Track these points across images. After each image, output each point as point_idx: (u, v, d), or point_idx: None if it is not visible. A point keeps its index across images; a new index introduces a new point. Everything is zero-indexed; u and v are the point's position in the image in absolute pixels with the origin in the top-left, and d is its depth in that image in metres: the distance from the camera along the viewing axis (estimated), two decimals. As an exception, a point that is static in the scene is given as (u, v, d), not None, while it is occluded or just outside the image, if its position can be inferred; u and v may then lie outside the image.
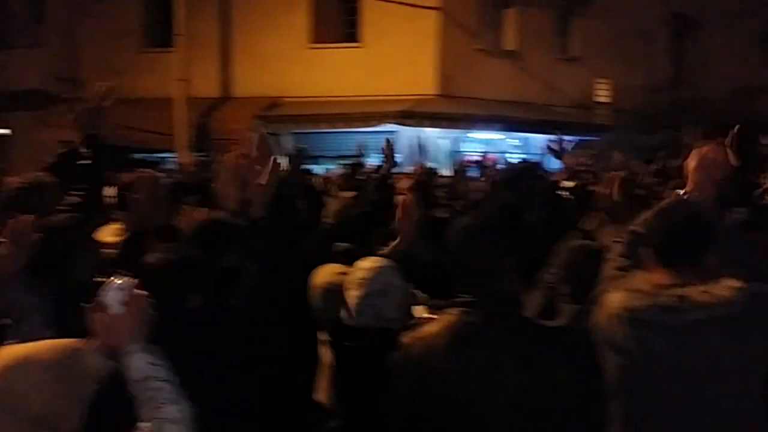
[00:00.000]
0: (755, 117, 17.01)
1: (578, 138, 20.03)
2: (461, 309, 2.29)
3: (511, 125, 19.03)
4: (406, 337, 2.35)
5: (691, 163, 2.84)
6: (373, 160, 19.63)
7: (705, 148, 2.84)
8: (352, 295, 3.20)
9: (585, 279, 2.76)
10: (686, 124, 18.00)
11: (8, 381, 1.70)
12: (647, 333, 2.25)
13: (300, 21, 19.57)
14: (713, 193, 2.79)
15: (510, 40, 20.63)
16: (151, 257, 2.59)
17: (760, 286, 2.26)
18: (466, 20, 19.47)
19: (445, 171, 17.95)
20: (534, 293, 3.28)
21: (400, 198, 4.10)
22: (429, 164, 16.98)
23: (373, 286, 3.17)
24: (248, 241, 2.90)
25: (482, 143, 19.83)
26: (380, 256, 3.44)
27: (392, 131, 18.87)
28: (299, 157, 6.38)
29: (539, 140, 21.04)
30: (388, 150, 6.67)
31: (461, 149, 19.80)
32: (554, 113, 20.49)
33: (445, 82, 18.97)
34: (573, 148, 20.58)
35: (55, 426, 1.70)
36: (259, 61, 19.10)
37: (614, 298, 2.33)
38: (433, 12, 18.66)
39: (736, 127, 5.55)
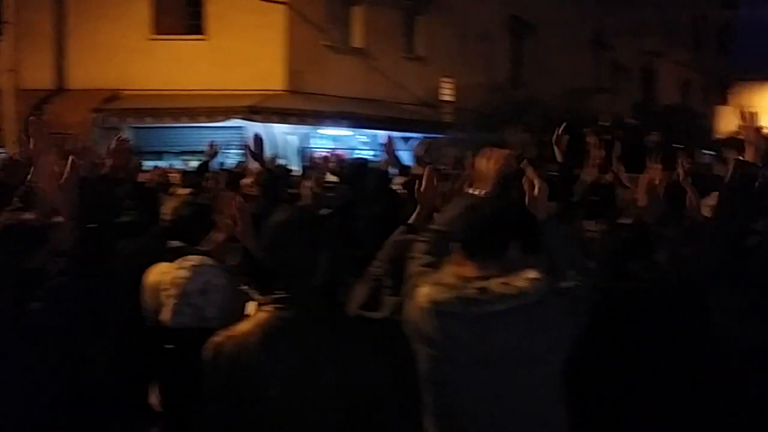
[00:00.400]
0: (585, 116, 18.13)
1: (423, 135, 20.58)
2: (275, 305, 2.26)
3: (359, 122, 19.21)
4: (218, 336, 2.29)
5: (481, 162, 2.97)
6: (222, 157, 19.17)
7: (493, 150, 2.99)
8: (170, 296, 3.09)
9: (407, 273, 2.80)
10: (522, 122, 18.93)
11: None
12: (452, 324, 2.32)
13: (141, 11, 18.79)
14: (497, 188, 2.92)
15: (358, 37, 20.83)
16: None
17: (557, 277, 2.38)
18: (313, 16, 19.45)
19: (295, 167, 17.95)
20: (361, 286, 3.31)
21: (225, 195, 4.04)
22: (279, 160, 16.96)
23: (191, 285, 3.07)
24: (55, 241, 2.71)
25: (331, 140, 19.92)
26: (207, 253, 3.35)
27: (239, 127, 18.60)
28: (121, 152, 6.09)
29: (386, 137, 21.46)
30: (257, 146, 6.56)
31: (310, 145, 19.79)
32: (401, 111, 20.91)
33: (294, 78, 18.87)
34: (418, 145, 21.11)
35: None
36: (96, 52, 18.16)
37: (422, 292, 2.39)
38: (281, 6, 18.51)
39: (562, 125, 5.86)
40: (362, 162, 7.02)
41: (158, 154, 17.18)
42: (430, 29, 22.51)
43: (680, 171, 5.50)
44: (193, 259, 3.25)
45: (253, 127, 17.98)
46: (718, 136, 34.43)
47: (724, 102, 40.24)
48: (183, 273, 3.14)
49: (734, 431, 2.83)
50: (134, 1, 18.72)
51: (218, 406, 2.23)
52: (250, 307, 3.22)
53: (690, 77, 36.25)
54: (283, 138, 18.64)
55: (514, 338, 2.27)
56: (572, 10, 26.47)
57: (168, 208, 5.24)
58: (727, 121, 38.32)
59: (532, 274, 2.33)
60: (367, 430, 2.23)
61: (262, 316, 2.27)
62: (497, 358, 2.28)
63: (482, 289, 2.28)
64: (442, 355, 2.35)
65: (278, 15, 18.58)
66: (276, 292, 2.29)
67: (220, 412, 2.23)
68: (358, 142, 21.52)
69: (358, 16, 20.80)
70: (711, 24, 36.89)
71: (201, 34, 18.96)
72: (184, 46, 18.78)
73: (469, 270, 2.36)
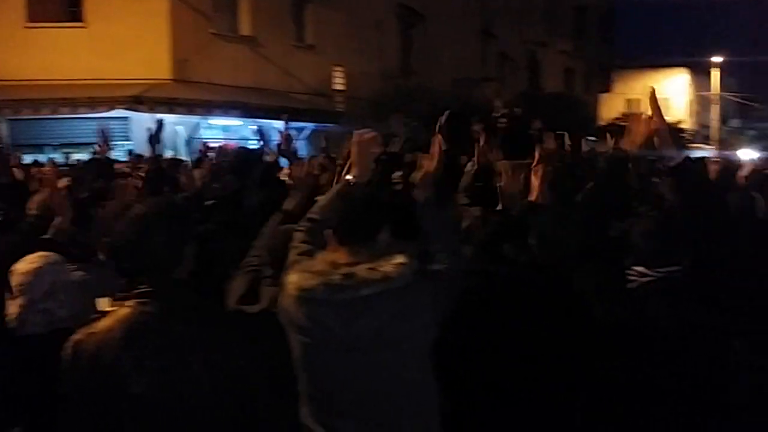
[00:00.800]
0: (473, 104, 18.51)
1: (315, 125, 20.50)
2: (137, 300, 2.19)
3: (249, 112, 18.90)
4: (78, 334, 2.21)
5: (352, 149, 2.99)
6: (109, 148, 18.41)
7: (362, 134, 3.00)
8: (16, 305, 2.94)
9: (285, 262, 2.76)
10: (412, 111, 19.13)
11: None
12: (319, 311, 2.33)
13: (14, -2, 17.86)
14: (370, 174, 2.97)
15: (246, 25, 20.50)
16: None
17: (430, 261, 2.42)
18: (198, 3, 18.98)
19: (184, 158, 17.50)
20: (239, 278, 3.26)
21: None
22: (167, 152, 16.49)
23: (36, 290, 2.94)
24: None
25: (221, 130, 19.54)
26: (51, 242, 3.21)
27: (124, 117, 17.97)
28: None
29: (278, 126, 21.24)
30: (157, 132, 6.33)
31: (200, 136, 19.35)
32: (293, 100, 20.72)
33: (180, 67, 18.38)
34: (309, 135, 21.06)
35: None
36: (-33, 41, 17.16)
37: (290, 280, 2.39)
38: (163, -8, 17.99)
39: (446, 113, 5.95)
40: (249, 152, 6.95)
41: (37, 148, 16.38)
42: (320, 17, 22.40)
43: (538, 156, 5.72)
44: (29, 261, 3.08)
45: (139, 118, 17.45)
46: (601, 123, 35.98)
47: (607, 90, 42.03)
48: (21, 279, 2.98)
49: (600, 402, 2.95)
50: (8, -13, 17.76)
51: (80, 405, 2.16)
52: (102, 302, 3.08)
53: (573, 66, 37.63)
54: (170, 128, 18.13)
55: (380, 323, 2.29)
56: (461, 0, 26.97)
57: (34, 202, 5.03)
58: (610, 108, 40.10)
59: (399, 259, 2.35)
60: (239, 424, 2.18)
61: (124, 311, 2.20)
62: (365, 343, 2.30)
63: (348, 275, 2.29)
64: (313, 341, 2.35)
65: (161, 2, 18.04)
66: (139, 286, 2.21)
67: (82, 411, 2.16)
68: (250, 132, 21.22)
69: (245, 3, 20.46)
70: (592, 14, 38.36)
71: (80, 21, 18.20)
72: (62, 33, 17.96)
73: (341, 256, 2.37)
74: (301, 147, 18.74)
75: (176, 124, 18.35)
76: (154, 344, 2.14)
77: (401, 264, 2.34)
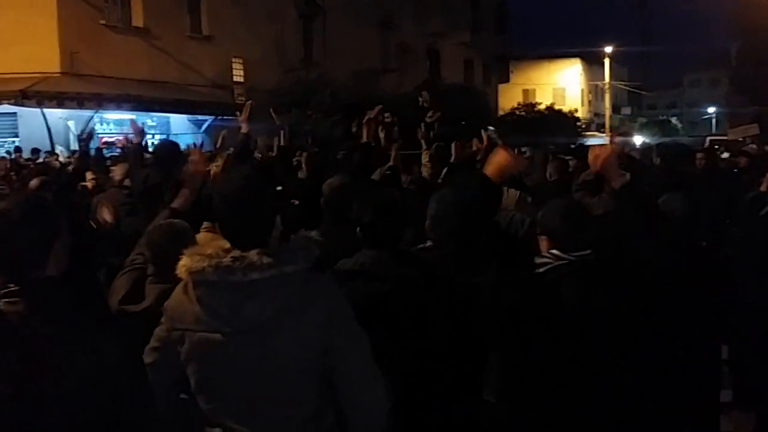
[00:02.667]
0: (374, 96, 18.57)
1: (215, 117, 20.14)
2: (5, 300, 2.08)
3: (145, 105, 18.38)
4: None
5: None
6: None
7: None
8: None
9: (170, 258, 2.59)
10: (313, 103, 19.05)
11: None
12: (208, 293, 2.28)
13: None
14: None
15: (138, 16, 19.90)
16: None
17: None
18: (87, -7, 18.30)
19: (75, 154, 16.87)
20: (121, 277, 3.17)
21: None
22: (59, 148, 15.85)
23: None
24: None
25: (117, 124, 18.91)
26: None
27: (11, 113, 17.17)
28: None
29: (177, 120, 20.77)
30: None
31: (94, 131, 18.68)
32: (191, 93, 20.29)
33: (70, 60, 17.70)
34: (209, 129, 20.66)
35: None
36: None
37: (182, 263, 2.32)
38: (49, -18, 17.25)
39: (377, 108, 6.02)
40: (174, 144, 6.82)
41: None
42: (216, 8, 21.98)
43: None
44: None
45: (28, 114, 16.71)
46: (501, 113, 36.81)
47: (505, 80, 43.01)
48: None
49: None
50: None
51: None
52: None
53: (472, 57, 38.30)
54: (61, 123, 17.45)
55: (268, 310, 2.25)
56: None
57: None
58: (508, 98, 41.07)
59: (294, 247, 2.33)
60: (111, 422, 2.12)
61: None
62: (251, 329, 2.25)
63: (239, 258, 2.25)
64: (200, 329, 2.30)
65: (46, -8, 17.30)
66: (8, 285, 2.09)
67: None
68: (147, 126, 20.64)
69: (137, -7, 19.86)
70: (487, 5, 39.10)
71: (-41, 12, 17.23)
72: (-61, 25, 16.96)
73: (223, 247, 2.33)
74: (202, 140, 18.38)
75: (67, 119, 17.67)
76: (18, 346, 2.05)
77: (296, 252, 2.30)
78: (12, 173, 9.20)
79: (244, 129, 6.46)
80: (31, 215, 2.15)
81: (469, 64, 38.23)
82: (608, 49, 45.13)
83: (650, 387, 3.18)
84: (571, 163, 8.87)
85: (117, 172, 6.40)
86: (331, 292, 2.37)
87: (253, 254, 2.25)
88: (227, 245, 2.32)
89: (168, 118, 20.72)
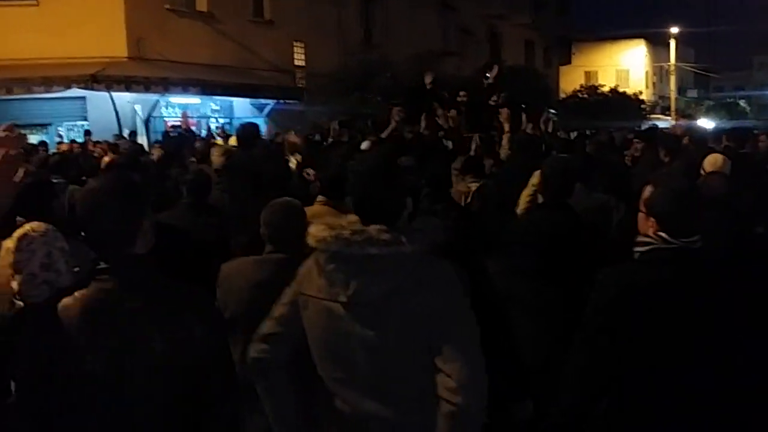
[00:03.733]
0: (435, 78, 18.46)
1: (276, 101, 20.33)
2: (95, 277, 2.17)
3: (209, 89, 18.68)
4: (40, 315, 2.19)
5: None
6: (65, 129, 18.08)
7: None
8: (16, 282, 2.91)
9: (286, 234, 3.23)
10: (373, 86, 19.03)
11: None
12: (330, 263, 2.38)
13: (-40, -25, 17.33)
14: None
15: (202, 1, 20.17)
16: None
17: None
18: (153, -21, 18.64)
19: (143, 138, 17.23)
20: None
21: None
22: (126, 132, 16.23)
23: (33, 264, 2.92)
24: None
25: (181, 108, 19.26)
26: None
27: (81, 97, 17.62)
28: None
29: (240, 104, 21.04)
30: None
31: (159, 114, 19.09)
32: (253, 76, 20.50)
33: (136, 44, 18.07)
34: (270, 112, 20.87)
35: None
36: None
37: (311, 231, 2.44)
38: (117, -31, 17.60)
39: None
40: (254, 126, 7.12)
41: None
42: (278, -8, 22.13)
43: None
44: (21, 234, 3.02)
45: (96, 97, 17.13)
46: (562, 95, 36.21)
47: (567, 62, 42.28)
48: (18, 256, 2.94)
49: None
50: (-47, -36, 17.22)
51: (36, 382, 2.14)
52: None
53: (532, 39, 37.74)
54: (129, 107, 17.85)
55: (384, 286, 2.31)
56: (420, -27, 26.82)
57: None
58: (570, 80, 40.38)
59: (416, 227, 2.40)
60: (194, 396, 2.18)
61: (85, 290, 2.16)
62: (367, 303, 2.33)
63: (358, 231, 2.32)
64: (322, 295, 2.40)
65: (115, -22, 17.66)
66: (99, 262, 2.18)
67: (38, 387, 2.14)
68: (210, 110, 20.98)
69: (202, -22, 20.13)
70: (550, -14, 38.44)
71: (31, -1, 17.74)
72: (12, 12, 17.48)
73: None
74: (263, 124, 18.61)
75: (134, 103, 18.07)
76: (112, 321, 2.12)
77: (416, 233, 2.35)
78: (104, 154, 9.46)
79: None
80: (121, 194, 2.20)
81: (530, 45, 37.67)
82: (674, 30, 43.95)
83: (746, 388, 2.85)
84: (638, 145, 8.70)
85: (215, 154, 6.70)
86: (446, 276, 2.38)
87: (372, 229, 2.32)
88: (344, 221, 2.42)
89: (231, 101, 21.00)
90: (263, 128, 16.50)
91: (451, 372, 2.30)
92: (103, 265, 2.17)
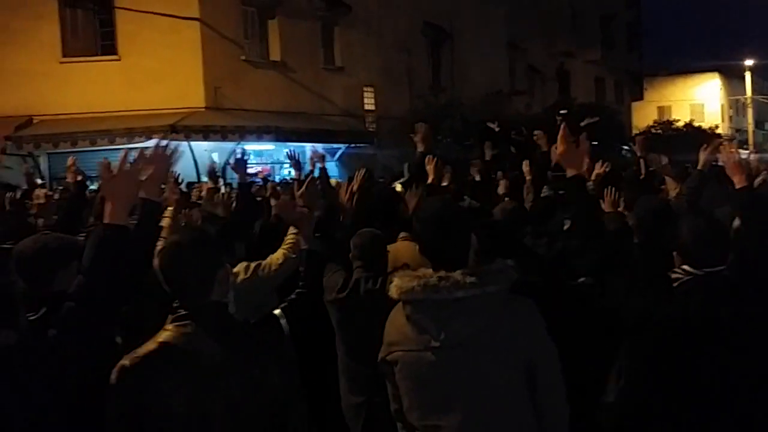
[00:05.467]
0: (503, 117, 18.45)
1: (348, 145, 20.62)
2: (175, 324, 2.38)
3: (284, 135, 19.09)
4: (124, 359, 2.35)
5: None
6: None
7: None
8: None
9: (372, 254, 3.98)
10: (445, 129, 19.12)
11: None
12: (417, 311, 2.48)
13: (49, 34, 18.31)
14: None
15: (275, 50, 20.76)
16: None
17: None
18: (228, 31, 19.29)
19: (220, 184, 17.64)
20: (335, 274, 4.02)
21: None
22: (204, 179, 16.67)
23: None
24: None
25: (256, 155, 19.71)
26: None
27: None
28: None
29: (312, 149, 21.41)
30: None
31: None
32: (325, 122, 20.89)
33: (213, 94, 18.67)
34: (342, 156, 21.14)
35: None
36: (6, 79, 17.56)
37: (395, 284, 2.53)
38: (194, 23, 18.29)
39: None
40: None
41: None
42: (348, 39, 22.60)
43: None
44: None
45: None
46: (635, 131, 35.64)
47: (639, 98, 41.69)
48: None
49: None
50: (42, 24, 18.21)
51: (125, 427, 2.30)
52: None
53: (603, 75, 37.40)
54: (206, 155, 18.35)
55: (473, 327, 2.40)
56: (486, 15, 27.00)
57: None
58: (643, 116, 39.75)
59: (495, 267, 2.49)
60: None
61: (165, 334, 2.37)
62: (458, 345, 2.41)
63: (444, 277, 2.41)
64: (411, 347, 2.49)
65: (191, 31, 18.36)
66: (177, 310, 2.40)
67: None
68: (283, 156, 21.39)
69: (274, 28, 20.73)
70: (619, 22, 38.12)
71: (113, 54, 18.59)
72: (96, 67, 18.37)
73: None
74: (334, 168, 18.87)
75: (211, 151, 18.58)
76: (194, 363, 2.30)
77: (497, 274, 2.45)
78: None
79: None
80: (198, 247, 2.45)
81: (601, 82, 37.34)
82: (749, 62, 42.90)
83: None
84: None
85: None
86: (529, 311, 2.51)
87: (457, 274, 2.43)
88: (424, 270, 2.51)
89: (304, 147, 21.40)
90: (335, 172, 16.74)
91: (545, 399, 2.47)
92: (182, 312, 2.38)
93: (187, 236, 2.56)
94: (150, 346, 2.34)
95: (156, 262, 2.47)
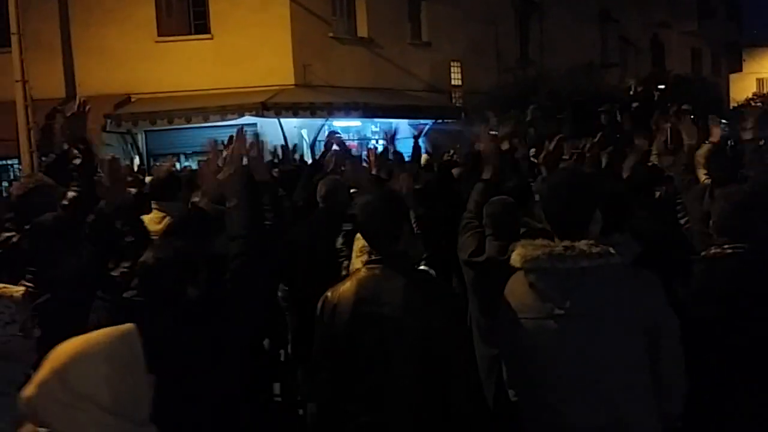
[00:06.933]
0: (595, 90, 17.98)
1: (434, 121, 20.53)
2: (368, 266, 2.87)
3: (371, 111, 19.19)
4: (329, 291, 2.89)
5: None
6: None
7: None
8: None
9: (504, 222, 4.05)
10: (532, 102, 18.78)
11: (77, 373, 1.71)
12: (541, 279, 2.53)
13: (145, 14, 18.89)
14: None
15: (363, 27, 20.80)
16: (147, 256, 2.82)
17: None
18: (317, 8, 19.45)
19: (308, 160, 17.90)
20: (469, 236, 4.18)
21: None
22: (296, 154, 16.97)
23: None
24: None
25: (343, 131, 19.88)
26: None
27: (252, 123, 18.61)
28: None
29: (399, 125, 21.42)
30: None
31: (324, 138, 19.77)
32: (411, 98, 20.85)
33: (302, 72, 18.90)
34: (428, 131, 21.11)
35: (129, 415, 1.74)
36: (104, 58, 18.23)
37: (518, 252, 2.61)
38: (284, 1, 18.51)
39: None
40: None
41: (172, 156, 17.23)
42: (435, 14, 22.42)
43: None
44: None
45: (266, 123, 18.05)
46: (733, 104, 34.16)
47: (737, 69, 39.88)
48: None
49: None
50: (138, 4, 18.80)
51: (326, 345, 2.82)
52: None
53: (699, 47, 35.92)
54: (296, 132, 18.67)
55: (596, 297, 2.45)
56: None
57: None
58: (741, 88, 38.02)
59: (618, 239, 2.61)
60: (442, 368, 2.65)
61: (360, 273, 2.88)
62: (581, 314, 2.46)
63: (569, 247, 2.48)
64: (534, 315, 2.55)
65: (282, 9, 18.60)
66: (371, 256, 2.90)
67: (326, 349, 2.81)
68: (371, 132, 21.51)
69: (362, 5, 20.75)
70: (717, -9, 36.52)
71: (206, 33, 19.03)
72: (190, 46, 18.84)
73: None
74: (421, 144, 18.83)
75: (301, 128, 18.87)
76: (379, 299, 2.76)
77: (620, 246, 2.51)
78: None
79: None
80: (387, 203, 2.94)
81: (697, 53, 35.85)
82: None
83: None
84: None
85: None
86: (652, 283, 2.54)
87: (582, 244, 2.48)
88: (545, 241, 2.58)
89: (390, 123, 21.44)
90: (423, 148, 16.71)
91: (666, 369, 2.53)
92: (374, 257, 2.89)
93: (380, 194, 3.08)
94: (347, 281, 2.88)
95: (356, 214, 3.01)
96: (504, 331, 2.72)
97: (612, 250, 2.46)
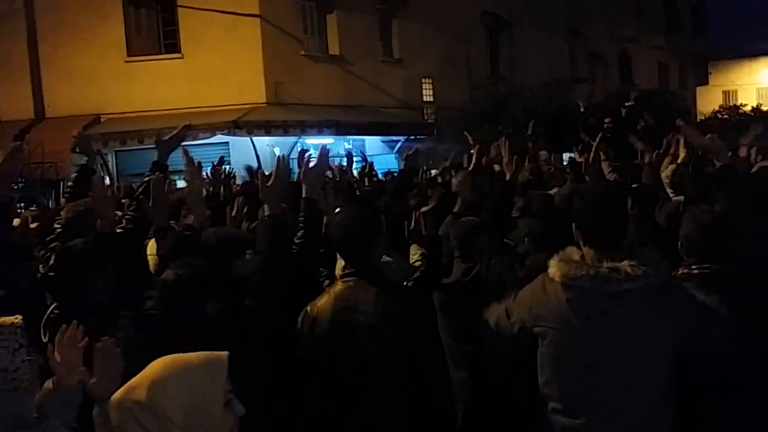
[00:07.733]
0: (566, 106, 18.14)
1: (406, 137, 20.57)
2: (343, 279, 3.04)
3: (344, 129, 19.17)
4: (308, 305, 3.05)
5: None
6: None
7: None
8: None
9: (469, 245, 4.01)
10: (505, 119, 18.91)
11: (157, 393, 1.76)
12: (580, 298, 2.56)
13: (114, 33, 18.74)
14: None
15: (334, 44, 20.83)
16: (169, 274, 2.97)
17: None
18: (289, 27, 19.44)
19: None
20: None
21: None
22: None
23: None
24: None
25: (316, 148, 19.84)
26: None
27: (224, 142, 18.51)
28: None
29: (372, 142, 21.45)
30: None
31: (295, 156, 19.71)
32: (383, 115, 20.90)
33: (274, 90, 18.85)
34: (401, 148, 21.11)
35: None
36: (73, 78, 18.08)
37: (556, 267, 2.62)
38: (254, 19, 18.48)
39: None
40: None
41: (143, 176, 17.05)
42: (406, 31, 22.53)
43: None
44: None
45: (238, 142, 17.96)
46: (700, 117, 34.65)
47: (704, 82, 40.49)
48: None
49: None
50: (107, 24, 18.65)
51: (305, 358, 3.00)
52: None
53: (666, 61, 36.46)
54: (268, 150, 18.58)
55: (634, 317, 2.51)
56: (546, 1, 26.59)
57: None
58: (708, 101, 38.59)
59: (654, 258, 2.57)
60: (415, 370, 2.86)
61: (335, 287, 3.05)
62: (617, 334, 2.51)
63: (614, 269, 2.50)
64: (566, 330, 2.59)
65: (252, 28, 18.56)
66: (345, 269, 3.05)
67: (310, 362, 2.98)
68: (343, 149, 21.47)
69: (333, 23, 20.80)
70: (684, 4, 37.10)
71: (177, 52, 18.95)
72: (160, 66, 18.73)
73: (590, 252, 2.59)
74: (394, 161, 18.87)
75: (273, 146, 18.79)
76: (355, 308, 2.93)
77: (656, 266, 2.54)
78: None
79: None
80: (358, 221, 3.11)
81: (664, 67, 36.38)
82: (821, 42, 41.20)
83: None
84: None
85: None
86: (684, 302, 2.61)
87: (626, 266, 2.51)
88: (585, 253, 2.60)
89: (363, 140, 21.45)
90: (395, 164, 16.74)
91: None
92: (349, 271, 3.02)
93: (351, 213, 3.35)
94: (324, 295, 3.04)
95: (330, 231, 3.18)
96: (517, 336, 2.77)
97: (650, 271, 2.50)
